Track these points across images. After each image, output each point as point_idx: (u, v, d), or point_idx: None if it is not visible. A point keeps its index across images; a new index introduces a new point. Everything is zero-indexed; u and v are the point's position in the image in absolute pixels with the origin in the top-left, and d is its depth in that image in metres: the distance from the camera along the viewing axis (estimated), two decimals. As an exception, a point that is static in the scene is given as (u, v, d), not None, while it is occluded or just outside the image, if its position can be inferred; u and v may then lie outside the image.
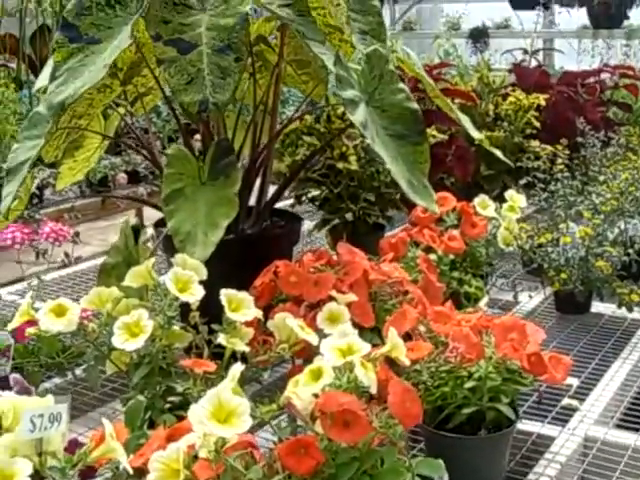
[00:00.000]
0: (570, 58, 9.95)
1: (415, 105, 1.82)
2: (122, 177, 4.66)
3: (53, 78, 1.76)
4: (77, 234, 3.31)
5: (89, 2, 1.82)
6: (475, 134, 2.07)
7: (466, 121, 2.09)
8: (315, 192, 2.56)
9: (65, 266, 3.09)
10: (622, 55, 9.46)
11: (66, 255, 3.20)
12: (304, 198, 2.60)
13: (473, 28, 9.51)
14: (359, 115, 1.70)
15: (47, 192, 4.22)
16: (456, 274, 2.18)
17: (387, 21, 9.77)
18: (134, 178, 4.74)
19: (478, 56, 9.23)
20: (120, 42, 1.74)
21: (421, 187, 1.77)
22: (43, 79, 1.99)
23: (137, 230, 1.95)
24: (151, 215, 2.27)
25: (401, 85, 1.83)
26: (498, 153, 2.14)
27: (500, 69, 8.78)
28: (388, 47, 1.94)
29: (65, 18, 1.80)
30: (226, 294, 1.56)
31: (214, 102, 1.71)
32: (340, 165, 2.39)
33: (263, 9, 2.00)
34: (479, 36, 9.53)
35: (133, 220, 2.20)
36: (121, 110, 2.24)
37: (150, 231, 2.07)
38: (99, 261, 2.94)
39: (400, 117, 1.80)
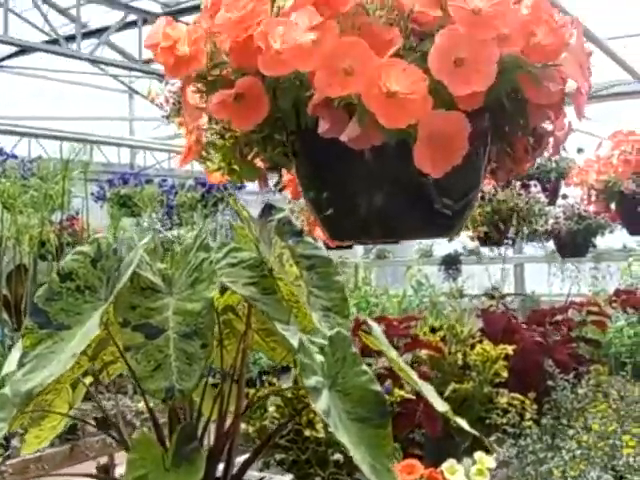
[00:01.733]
0: (541, 281, 10.16)
1: (377, 387, 1.85)
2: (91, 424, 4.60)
3: (21, 365, 1.78)
4: (44, 486, 3.25)
5: (59, 287, 1.87)
6: (439, 405, 2.09)
7: (429, 391, 2.12)
8: (282, 455, 2.55)
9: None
10: (591, 278, 9.68)
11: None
12: (272, 462, 2.58)
13: (445, 255, 9.70)
14: (322, 403, 1.72)
15: (14, 441, 4.16)
16: None
17: (361, 250, 10.01)
18: (104, 424, 4.68)
19: (451, 282, 9.40)
20: (89, 330, 1.78)
21: (385, 471, 1.77)
22: (11, 363, 2.01)
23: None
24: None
25: (364, 367, 1.87)
26: (463, 424, 2.15)
27: (471, 295, 8.93)
28: (349, 325, 1.99)
29: (35, 303, 1.85)
30: None
31: (180, 389, 1.73)
32: (307, 432, 2.40)
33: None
34: (451, 263, 9.72)
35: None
36: (88, 380, 2.25)
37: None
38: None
39: (362, 400, 1.82)
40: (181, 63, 1.48)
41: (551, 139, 1.63)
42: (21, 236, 5.49)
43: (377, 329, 2.11)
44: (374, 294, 7.56)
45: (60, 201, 5.54)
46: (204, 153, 1.74)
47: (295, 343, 1.86)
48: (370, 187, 1.41)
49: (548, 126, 1.67)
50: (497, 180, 1.68)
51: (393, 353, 2.08)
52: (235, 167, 1.71)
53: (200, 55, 1.47)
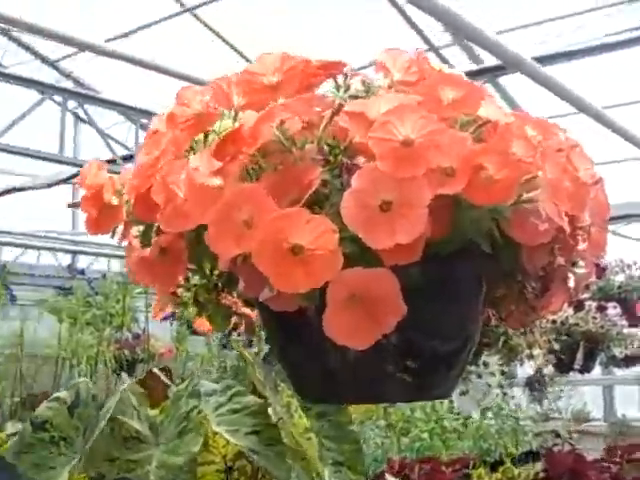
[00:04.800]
0: (633, 404, 9.67)
1: None
2: None
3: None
4: None
5: (32, 439, 1.69)
6: None
7: None
8: None
9: None
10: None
11: None
12: None
13: (529, 376, 9.30)
14: None
15: None
16: None
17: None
18: None
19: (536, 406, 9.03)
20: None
21: None
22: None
23: None
24: None
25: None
26: None
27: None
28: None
29: (2, 457, 1.67)
30: None
31: None
32: None
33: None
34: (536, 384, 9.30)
35: None
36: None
37: None
38: None
39: None
40: (107, 215, 1.19)
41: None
42: (78, 355, 5.35)
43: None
44: (453, 417, 7.14)
45: (120, 320, 5.41)
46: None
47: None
48: (324, 349, 1.16)
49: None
50: (511, 327, 1.45)
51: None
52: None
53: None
